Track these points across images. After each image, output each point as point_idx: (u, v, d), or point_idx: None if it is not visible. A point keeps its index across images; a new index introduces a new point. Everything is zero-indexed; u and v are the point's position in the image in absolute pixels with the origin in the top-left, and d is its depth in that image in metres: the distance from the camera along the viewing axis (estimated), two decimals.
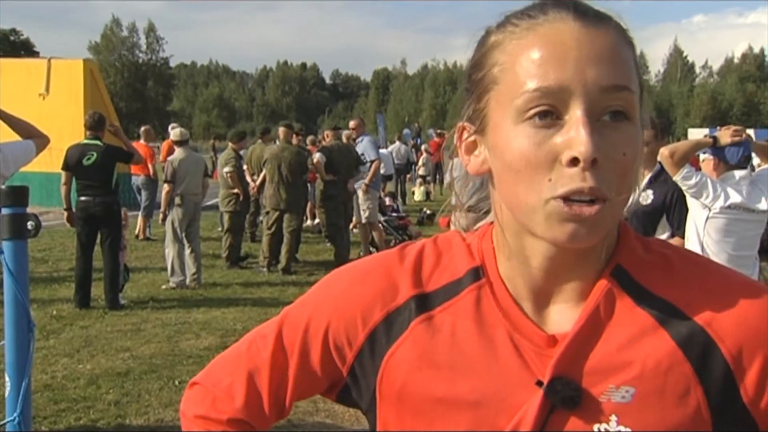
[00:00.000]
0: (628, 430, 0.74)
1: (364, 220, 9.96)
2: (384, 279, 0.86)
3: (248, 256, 9.89)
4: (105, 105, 14.59)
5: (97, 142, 7.03)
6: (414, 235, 10.85)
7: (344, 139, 10.02)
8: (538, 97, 0.71)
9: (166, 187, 8.24)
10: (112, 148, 7.19)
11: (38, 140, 3.88)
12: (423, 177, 19.73)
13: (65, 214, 7.23)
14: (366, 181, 9.67)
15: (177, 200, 8.16)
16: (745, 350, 0.75)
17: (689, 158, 3.90)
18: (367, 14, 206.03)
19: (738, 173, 3.93)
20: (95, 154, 6.92)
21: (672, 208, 3.98)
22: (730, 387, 0.75)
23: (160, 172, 9.86)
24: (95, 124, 7.08)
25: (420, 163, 20.02)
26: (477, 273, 0.84)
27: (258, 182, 9.82)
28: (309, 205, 11.42)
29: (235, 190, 9.53)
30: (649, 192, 4.00)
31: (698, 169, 4.04)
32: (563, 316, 0.79)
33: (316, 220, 11.65)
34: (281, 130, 9.60)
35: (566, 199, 0.71)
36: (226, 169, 9.52)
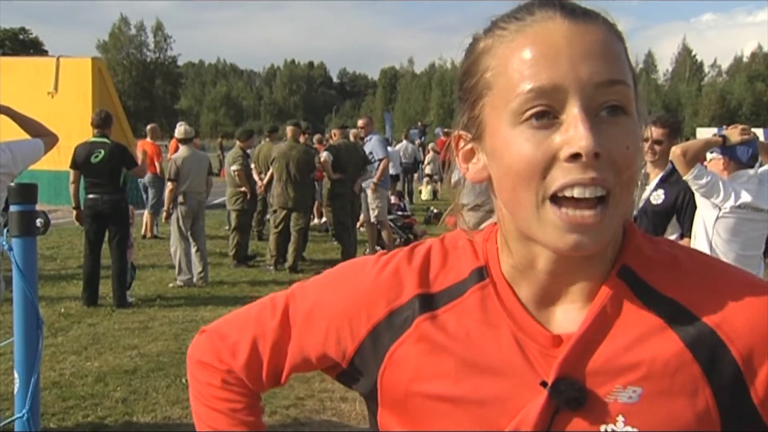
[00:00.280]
0: (636, 430, 0.74)
1: (373, 219, 9.95)
2: (391, 277, 0.86)
3: (256, 255, 9.90)
4: (113, 103, 14.64)
5: (105, 140, 7.06)
6: (419, 234, 10.84)
7: (351, 138, 10.02)
8: (533, 97, 0.71)
9: (169, 185, 8.27)
10: (120, 146, 7.22)
11: (47, 139, 3.90)
12: (430, 176, 19.69)
13: (74, 212, 7.28)
14: (375, 179, 9.67)
15: (180, 198, 8.18)
16: (755, 352, 0.74)
17: (701, 157, 3.88)
18: (375, 13, 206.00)
19: (747, 172, 3.91)
20: (103, 152, 6.95)
21: (683, 209, 3.96)
22: (739, 388, 0.74)
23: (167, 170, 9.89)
24: (102, 122, 7.11)
25: (427, 161, 19.98)
26: (481, 273, 0.83)
27: (265, 181, 9.82)
28: (316, 203, 11.43)
29: (243, 189, 9.55)
30: (660, 192, 3.98)
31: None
32: (569, 316, 0.79)
33: (323, 219, 11.65)
34: (289, 128, 9.61)
35: (564, 200, 0.70)
36: (234, 167, 9.53)
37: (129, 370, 5.18)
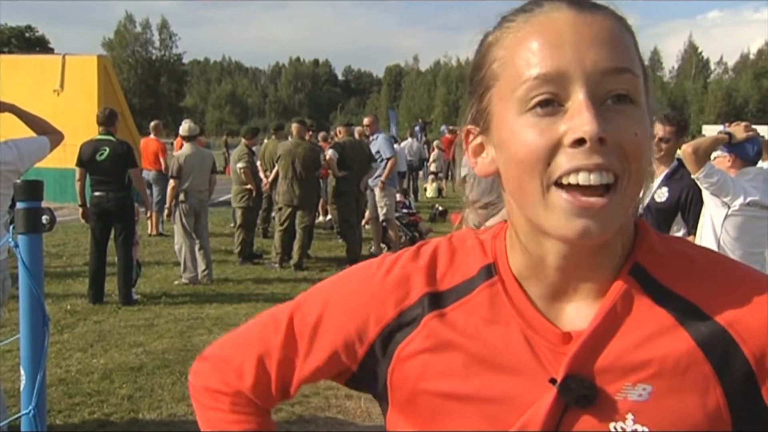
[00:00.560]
0: (645, 428, 0.73)
1: (382, 217, 9.94)
2: (399, 278, 0.85)
3: (261, 252, 9.91)
4: (119, 101, 14.65)
5: (110, 138, 7.07)
6: (424, 232, 10.83)
7: (356, 136, 10.01)
8: (538, 84, 0.71)
9: (171, 183, 8.27)
10: (123, 144, 7.23)
11: (53, 136, 3.90)
12: (435, 173, 19.67)
13: (80, 210, 7.30)
14: (382, 178, 9.66)
15: (181, 196, 8.18)
16: None
17: (710, 155, 3.87)
18: (380, 11, 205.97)
19: (752, 170, 3.91)
20: (108, 149, 6.97)
21: (688, 206, 3.95)
22: (751, 388, 0.74)
23: None
24: (106, 120, 7.13)
25: (431, 159, 19.97)
26: (490, 271, 0.83)
27: (271, 178, 9.83)
28: (321, 201, 11.43)
29: (248, 186, 9.56)
30: (665, 189, 3.97)
31: None
32: (579, 313, 0.78)
33: (328, 216, 11.66)
34: (294, 126, 9.61)
35: (570, 187, 0.69)
36: (239, 165, 9.54)
37: (135, 367, 5.19)
